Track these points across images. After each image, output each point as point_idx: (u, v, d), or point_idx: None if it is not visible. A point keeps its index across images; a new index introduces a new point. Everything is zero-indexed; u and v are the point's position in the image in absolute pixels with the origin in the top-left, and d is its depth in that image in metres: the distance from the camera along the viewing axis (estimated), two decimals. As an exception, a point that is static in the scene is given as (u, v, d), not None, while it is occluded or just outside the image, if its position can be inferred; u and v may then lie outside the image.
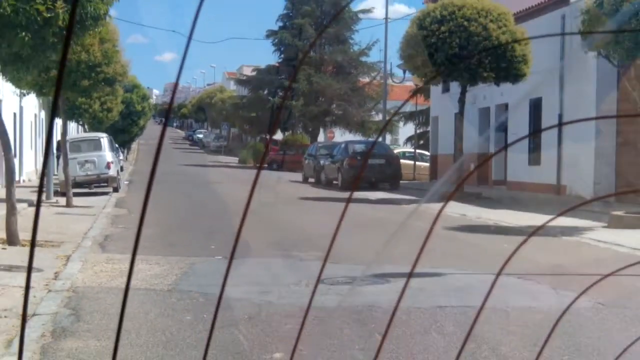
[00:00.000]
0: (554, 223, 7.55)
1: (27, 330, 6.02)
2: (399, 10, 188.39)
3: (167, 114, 1.07)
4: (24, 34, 10.04)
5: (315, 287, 1.30)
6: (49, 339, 5.75)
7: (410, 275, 1.24)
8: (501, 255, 8.80)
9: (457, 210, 19.04)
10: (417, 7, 35.92)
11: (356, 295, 7.49)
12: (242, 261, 10.04)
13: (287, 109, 50.95)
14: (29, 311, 6.70)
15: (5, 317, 6.57)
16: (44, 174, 1.11)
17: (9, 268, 9.04)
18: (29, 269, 0.97)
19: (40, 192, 0.99)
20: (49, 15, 10.02)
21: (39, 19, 9.96)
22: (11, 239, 11.16)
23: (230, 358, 5.26)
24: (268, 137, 58.73)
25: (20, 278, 8.37)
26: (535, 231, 1.33)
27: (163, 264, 9.24)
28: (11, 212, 11.32)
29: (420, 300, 7.02)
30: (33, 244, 0.97)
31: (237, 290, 7.63)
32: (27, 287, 0.91)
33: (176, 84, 1.06)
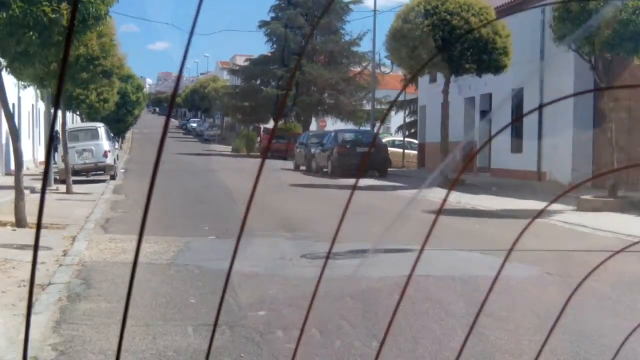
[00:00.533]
0: (526, 206, 9.14)
1: (45, 296, 6.98)
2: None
3: (171, 103, 1.09)
4: (31, 33, 10.95)
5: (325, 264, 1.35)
6: (66, 302, 6.69)
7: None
8: (470, 234, 9.89)
9: (440, 196, 19.98)
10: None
11: (334, 268, 8.45)
12: (234, 240, 10.98)
13: (288, 98, 51.88)
14: (45, 281, 7.65)
15: (24, 286, 7.50)
16: (49, 162, 1.19)
17: (22, 247, 9.96)
18: (37, 238, 1.02)
19: (45, 178, 1.00)
20: (54, 16, 10.92)
21: (45, 19, 10.86)
22: (20, 222, 12.10)
23: (222, 316, 6.20)
24: (273, 125, 59.74)
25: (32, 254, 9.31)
26: (537, 216, 1.32)
27: (161, 242, 10.17)
28: (19, 197, 12.25)
29: (390, 270, 7.97)
30: (39, 225, 0.97)
31: (228, 263, 8.59)
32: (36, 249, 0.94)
33: (179, 78, 1.09)
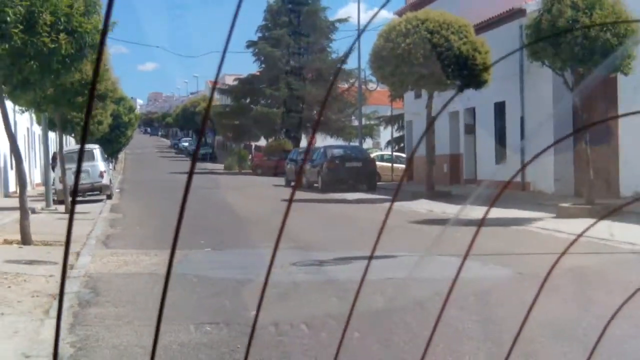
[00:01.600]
0: (508, 215, 10.09)
1: (57, 303, 7.65)
2: (379, 15, 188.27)
3: (204, 123, 1.16)
4: (32, 62, 11.67)
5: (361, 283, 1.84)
6: (77, 308, 7.37)
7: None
8: (450, 241, 10.54)
9: (426, 207, 20.77)
10: (397, 7, 37.49)
11: (321, 274, 9.17)
12: (228, 251, 11.71)
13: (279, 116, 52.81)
14: (55, 291, 8.33)
15: (37, 296, 8.18)
16: (77, 184, 1.16)
17: (30, 262, 10.64)
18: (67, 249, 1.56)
19: (75, 198, 1.05)
20: (53, 46, 11.63)
21: (45, 49, 11.57)
22: (25, 240, 12.76)
23: (219, 317, 6.89)
24: (264, 143, 60.55)
25: (41, 269, 9.99)
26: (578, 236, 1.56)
27: (160, 255, 10.86)
28: (24, 216, 12.93)
29: (373, 274, 8.68)
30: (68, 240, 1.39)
31: (224, 272, 9.33)
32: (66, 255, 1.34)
33: (209, 105, 1.20)
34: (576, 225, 14.87)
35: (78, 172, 1.23)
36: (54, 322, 6.78)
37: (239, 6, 1.00)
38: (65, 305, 7.52)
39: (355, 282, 5.32)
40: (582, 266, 8.28)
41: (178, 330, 6.28)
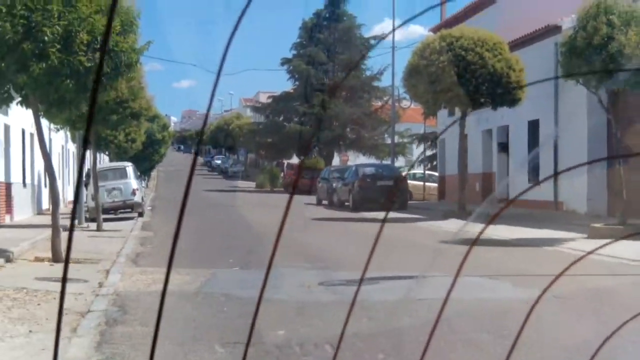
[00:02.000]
0: (541, 235, 10.02)
1: (85, 322, 7.69)
2: (415, 31, 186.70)
3: (201, 136, 1.11)
4: (68, 81, 11.82)
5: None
6: (104, 327, 7.40)
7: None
8: (480, 262, 10.58)
9: (457, 226, 20.62)
10: (432, 23, 37.40)
11: (348, 294, 9.12)
12: (256, 271, 11.70)
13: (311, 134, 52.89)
14: (84, 309, 8.38)
15: (66, 314, 8.22)
16: (77, 200, 1.21)
17: (60, 280, 10.71)
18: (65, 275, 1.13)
19: (73, 216, 1.03)
20: (89, 65, 11.78)
21: (81, 68, 11.72)
22: (56, 257, 12.87)
23: (245, 335, 6.88)
24: (297, 160, 60.63)
25: (71, 287, 10.05)
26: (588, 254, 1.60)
27: (190, 273, 10.88)
28: (56, 234, 13.06)
29: (405, 294, 8.63)
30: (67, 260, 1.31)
31: (252, 291, 9.31)
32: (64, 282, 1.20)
33: (206, 117, 1.21)
34: (609, 246, 14.66)
35: (78, 188, 1.25)
36: (81, 340, 6.81)
37: (239, 20, 1.01)
38: (93, 323, 7.56)
39: (387, 302, 5.31)
40: (606, 287, 8.15)
41: (204, 350, 6.28)
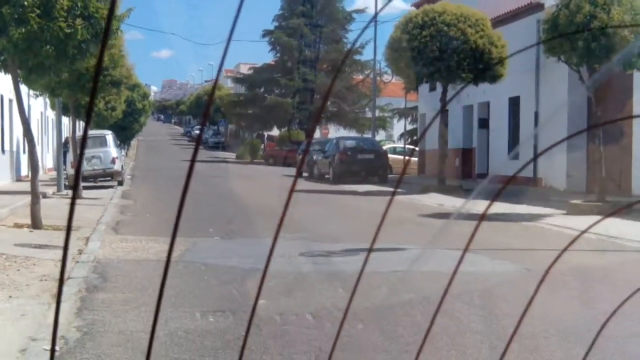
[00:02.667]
0: (519, 210, 10.13)
1: (66, 288, 7.68)
2: (396, 5, 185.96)
3: (207, 109, 1.20)
4: (48, 47, 11.71)
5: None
6: (85, 293, 7.41)
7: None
8: (457, 235, 10.68)
9: (436, 201, 20.74)
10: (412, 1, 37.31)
11: (328, 265, 9.18)
12: (237, 241, 11.74)
13: (290, 106, 52.80)
14: (64, 276, 8.37)
15: (45, 280, 8.23)
16: (80, 167, 1.23)
17: (39, 246, 10.70)
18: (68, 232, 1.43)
19: (77, 184, 1.01)
20: (69, 31, 11.68)
21: (61, 34, 11.62)
22: (36, 224, 12.83)
23: (227, 304, 6.92)
24: (277, 133, 60.63)
25: (50, 253, 10.05)
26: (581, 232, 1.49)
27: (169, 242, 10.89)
28: (35, 201, 12.99)
29: (381, 267, 8.68)
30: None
31: (232, 260, 9.37)
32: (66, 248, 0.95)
33: (213, 90, 1.10)
34: (585, 222, 14.81)
35: (81, 158, 1.26)
36: (62, 306, 6.81)
37: None
38: (73, 290, 7.56)
39: (363, 273, 5.29)
40: (588, 263, 8.26)
41: (184, 317, 6.30)
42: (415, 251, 10.39)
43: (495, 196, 1.40)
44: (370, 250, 1.28)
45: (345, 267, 8.98)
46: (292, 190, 1.11)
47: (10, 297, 7.27)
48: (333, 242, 11.25)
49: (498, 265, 9.22)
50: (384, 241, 11.33)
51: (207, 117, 1.36)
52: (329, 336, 5.80)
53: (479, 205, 1.38)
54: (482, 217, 1.29)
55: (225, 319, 6.29)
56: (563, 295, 7.24)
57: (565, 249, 1.40)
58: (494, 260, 9.45)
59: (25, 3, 11.29)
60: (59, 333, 5.83)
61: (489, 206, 1.32)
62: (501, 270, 8.85)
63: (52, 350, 1.10)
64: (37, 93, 20.96)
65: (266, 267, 1.13)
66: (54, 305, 6.81)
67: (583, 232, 1.58)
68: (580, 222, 14.63)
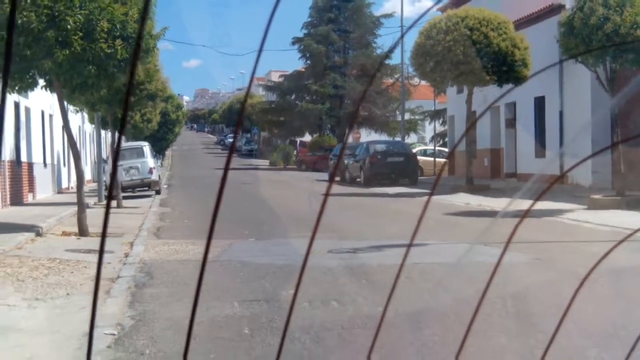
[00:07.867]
0: (542, 207, 11.01)
1: (117, 286, 8.53)
2: (425, 5, 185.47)
3: (239, 120, 1.32)
4: (90, 67, 12.63)
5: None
6: (134, 289, 8.25)
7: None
8: (477, 231, 11.38)
9: (464, 200, 21.37)
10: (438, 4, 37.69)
11: (354, 259, 9.95)
12: (270, 241, 12.54)
13: (322, 112, 53.64)
14: (114, 275, 9.22)
15: (97, 280, 9.08)
16: (113, 179, 1.13)
17: (88, 251, 11.59)
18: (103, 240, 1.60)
19: (110, 193, 0.97)
20: (109, 51, 12.58)
21: (102, 54, 12.52)
22: (82, 231, 13.75)
23: (261, 295, 7.71)
24: (309, 139, 61.58)
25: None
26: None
27: (208, 244, 11.73)
28: (81, 210, 13.93)
29: (400, 259, 9.43)
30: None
31: (266, 259, 10.17)
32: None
33: (244, 104, 1.10)
34: (605, 216, 15.41)
35: (114, 167, 1.22)
36: (115, 300, 7.67)
37: (277, 2, 0.98)
38: (124, 287, 8.41)
39: (385, 266, 6.26)
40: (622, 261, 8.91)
41: (223, 307, 7.10)
42: (435, 246, 11.10)
43: (539, 195, 1.38)
44: (410, 245, 1.28)
45: (369, 261, 9.74)
46: (327, 194, 1.12)
47: (68, 294, 8.12)
48: (360, 240, 12.01)
49: (509, 256, 9.89)
50: (406, 237, 12.07)
51: (240, 126, 1.45)
52: (350, 317, 6.56)
53: (514, 205, 1.45)
54: (525, 215, 1.31)
55: (260, 307, 7.07)
56: (600, 295, 7.90)
57: (609, 251, 1.36)
58: (510, 252, 10.11)
59: (69, 27, 12.20)
60: (115, 321, 6.67)
61: (531, 205, 1.32)
62: (512, 260, 9.52)
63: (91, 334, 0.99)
64: (77, 109, 21.97)
65: (304, 264, 1.11)
66: (108, 300, 7.68)
67: (634, 232, 1.48)
68: (599, 216, 15.22)
